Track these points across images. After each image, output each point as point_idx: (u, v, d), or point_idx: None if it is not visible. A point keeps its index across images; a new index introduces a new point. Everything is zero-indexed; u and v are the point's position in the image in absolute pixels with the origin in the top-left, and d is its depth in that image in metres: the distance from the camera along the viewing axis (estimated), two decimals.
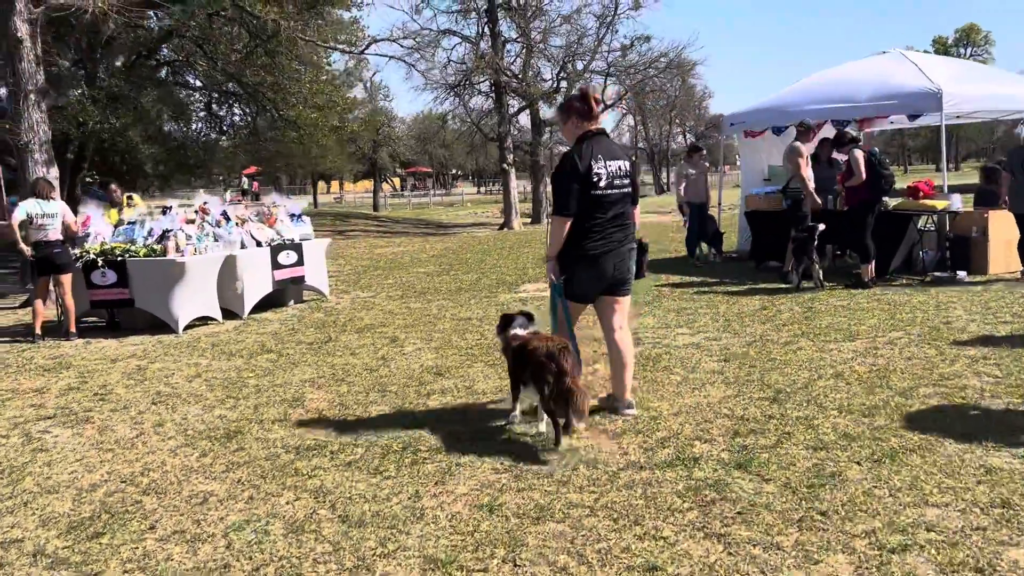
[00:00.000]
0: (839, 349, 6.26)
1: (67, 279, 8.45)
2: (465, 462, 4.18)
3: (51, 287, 8.66)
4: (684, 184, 12.43)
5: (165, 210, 9.44)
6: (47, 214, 8.34)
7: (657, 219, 24.49)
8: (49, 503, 3.94)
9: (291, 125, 18.90)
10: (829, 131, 11.18)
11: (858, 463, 3.91)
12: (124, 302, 8.69)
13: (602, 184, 4.52)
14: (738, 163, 24.78)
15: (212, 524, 3.60)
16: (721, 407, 4.91)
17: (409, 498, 3.76)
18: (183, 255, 8.58)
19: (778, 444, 4.22)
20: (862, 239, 9.10)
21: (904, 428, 4.37)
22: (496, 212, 33.30)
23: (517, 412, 4.77)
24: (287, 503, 3.78)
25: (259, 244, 9.49)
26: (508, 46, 26.45)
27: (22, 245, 8.33)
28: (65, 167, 16.55)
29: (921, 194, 10.03)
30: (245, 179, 38.10)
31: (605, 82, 28.27)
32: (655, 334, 7.20)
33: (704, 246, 12.66)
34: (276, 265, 9.54)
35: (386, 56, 30.62)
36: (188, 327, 8.63)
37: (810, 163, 10.01)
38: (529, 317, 4.88)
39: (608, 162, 4.55)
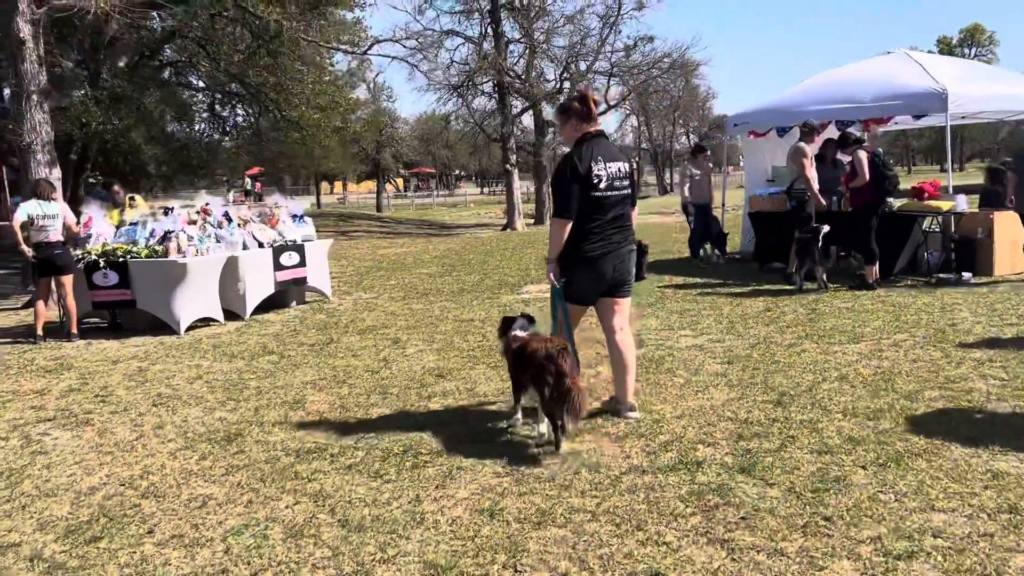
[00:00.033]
0: (843, 351, 6.21)
1: (68, 280, 8.44)
2: (466, 465, 4.14)
3: (53, 288, 8.65)
4: (688, 185, 12.38)
5: (167, 211, 9.42)
6: (48, 215, 8.33)
7: (660, 220, 24.44)
8: (47, 506, 3.91)
9: (293, 126, 18.88)
10: (833, 132, 11.12)
11: (863, 467, 3.87)
12: (126, 303, 8.68)
13: (602, 186, 4.49)
14: (741, 164, 24.72)
15: (211, 528, 3.57)
16: (724, 410, 4.87)
17: (409, 502, 3.72)
18: (185, 256, 8.56)
19: (782, 448, 4.18)
20: (866, 240, 9.06)
21: (909, 432, 4.32)
22: (499, 213, 33.28)
23: (519, 414, 4.75)
24: (286, 507, 3.75)
25: (261, 245, 9.47)
26: (511, 47, 26.44)
27: (23, 247, 8.32)
28: (68, 168, 16.56)
29: (926, 195, 9.98)
30: (248, 180, 38.11)
31: (608, 82, 28.29)
32: (658, 336, 7.16)
33: (708, 247, 12.61)
34: (278, 266, 9.52)
35: (389, 57, 30.52)
36: (190, 328, 8.61)
37: (814, 164, 9.96)
38: (530, 319, 4.87)
39: (608, 164, 4.53)
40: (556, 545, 3.23)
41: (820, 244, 9.14)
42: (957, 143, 64.19)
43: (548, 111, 25.94)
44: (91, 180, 18.62)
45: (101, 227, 9.27)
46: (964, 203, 9.98)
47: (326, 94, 18.84)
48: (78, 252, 8.76)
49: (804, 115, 10.82)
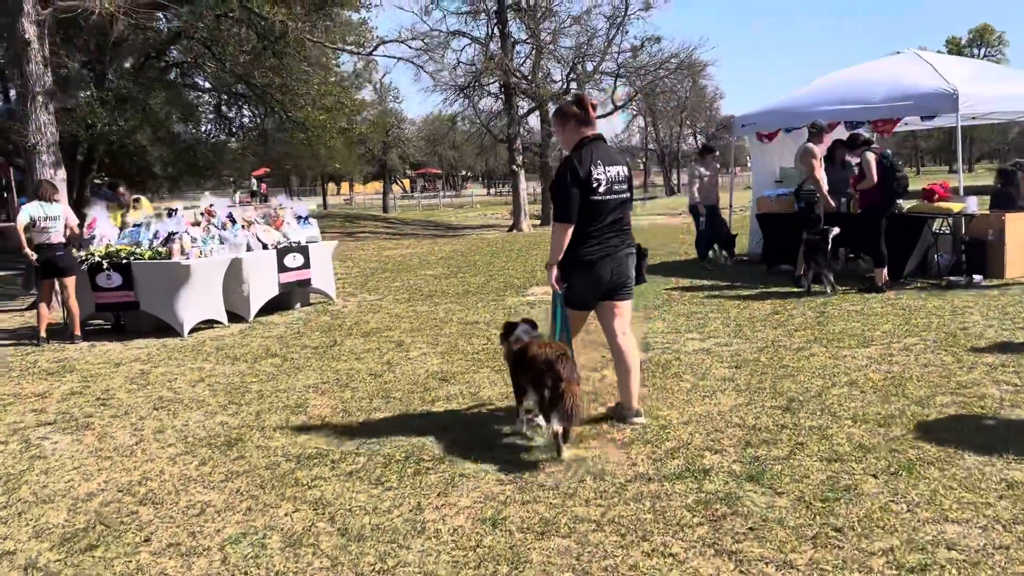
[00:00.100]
0: (853, 355, 6.12)
1: (71, 282, 8.41)
2: (469, 472, 4.08)
3: (56, 290, 8.62)
4: (697, 186, 12.29)
5: (171, 212, 9.39)
6: (50, 216, 8.30)
7: (667, 221, 24.33)
8: (44, 513, 3.86)
9: (299, 127, 18.84)
10: (842, 133, 11.02)
11: (874, 476, 3.78)
12: (129, 305, 8.64)
13: (601, 190, 4.45)
14: (749, 165, 24.60)
15: (208, 536, 3.51)
16: (732, 416, 4.79)
17: (410, 510, 3.66)
18: (188, 258, 8.52)
19: (791, 455, 4.10)
20: (875, 243, 8.96)
21: (921, 439, 4.24)
22: (505, 213, 33.22)
23: (523, 416, 4.70)
24: (285, 515, 3.69)
25: (265, 247, 9.42)
26: (518, 47, 26.41)
27: (26, 249, 8.29)
28: (74, 169, 16.56)
29: (936, 196, 9.86)
30: (254, 181, 38.15)
31: (615, 83, 28.22)
32: (665, 339, 7.08)
33: (715, 248, 12.51)
34: (282, 268, 9.47)
35: (395, 57, 30.60)
36: (193, 330, 8.56)
37: (823, 165, 9.86)
38: (532, 324, 4.83)
39: (607, 168, 4.48)
40: (560, 556, 3.16)
41: (829, 247, 9.04)
42: (966, 144, 63.77)
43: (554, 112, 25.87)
44: (97, 181, 18.61)
45: (105, 228, 9.24)
46: (975, 205, 9.86)
47: (332, 95, 18.80)
48: (81, 254, 8.73)
49: (813, 116, 10.72)
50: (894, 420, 4.55)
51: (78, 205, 14.37)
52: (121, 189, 12.70)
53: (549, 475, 3.99)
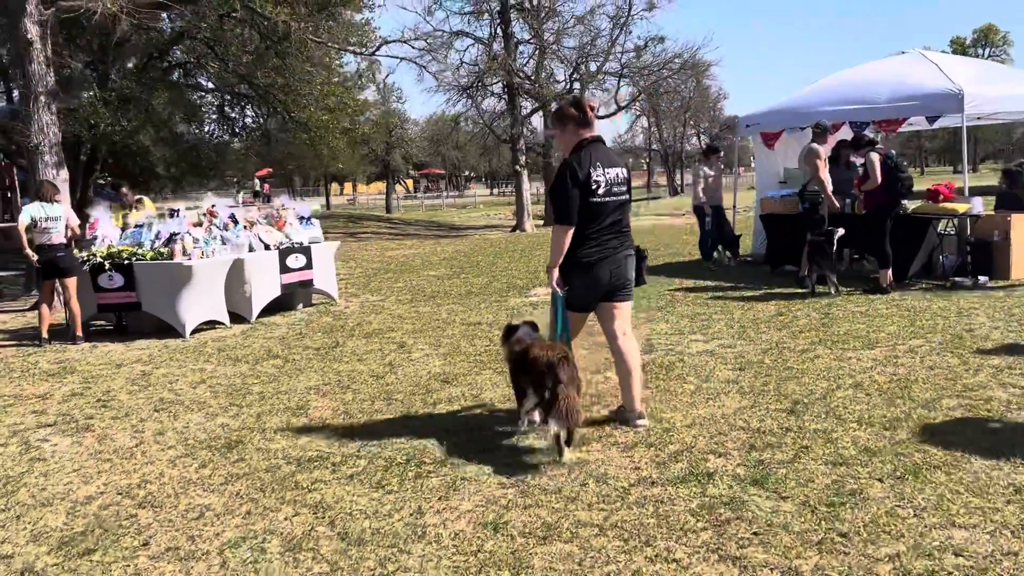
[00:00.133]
0: (858, 357, 6.07)
1: (72, 283, 8.39)
2: (470, 476, 4.04)
3: (58, 290, 8.60)
4: (702, 186, 12.24)
5: (173, 213, 9.37)
6: (51, 217, 8.29)
7: (670, 222, 24.28)
8: (42, 516, 3.83)
9: (302, 127, 18.81)
10: (847, 133, 10.96)
11: (880, 480, 3.74)
12: (131, 306, 8.62)
13: (600, 192, 4.43)
14: (752, 165, 24.54)
15: (207, 540, 3.48)
16: (736, 418, 4.75)
17: (411, 514, 3.62)
18: (190, 258, 8.49)
19: (796, 459, 4.06)
20: (880, 243, 8.91)
21: (927, 442, 4.19)
22: (508, 214, 33.19)
23: (525, 418, 4.67)
24: (285, 518, 3.66)
25: (267, 247, 9.40)
26: (521, 47, 26.37)
27: (28, 250, 8.28)
28: (78, 169, 16.55)
29: (941, 197, 9.81)
30: (257, 181, 38.17)
31: (619, 83, 28.17)
32: (668, 340, 7.03)
33: (720, 249, 12.46)
34: (284, 269, 9.44)
35: (398, 58, 30.52)
36: (195, 331, 8.54)
37: (828, 165, 9.81)
38: (533, 327, 4.81)
39: (606, 169, 4.47)
40: (561, 561, 3.13)
41: (834, 248, 8.98)
42: (970, 144, 63.72)
43: None
44: (100, 182, 18.62)
45: (107, 229, 9.22)
46: (980, 205, 9.80)
47: (335, 95, 18.76)
48: (83, 254, 8.71)
49: (817, 116, 10.67)
50: (900, 423, 4.51)
51: (81, 205, 14.37)
52: (124, 189, 12.70)
53: (551, 478, 3.95)
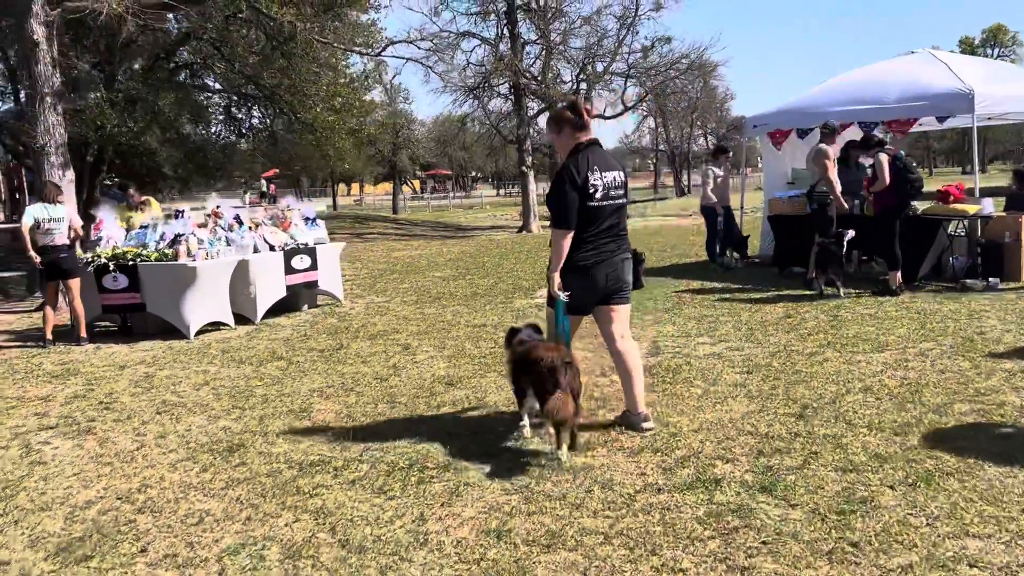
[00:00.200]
0: (867, 361, 5.99)
1: (75, 284, 8.37)
2: (474, 481, 3.98)
3: (62, 291, 8.58)
4: (711, 187, 12.16)
5: (178, 214, 9.34)
6: (54, 218, 8.26)
7: (677, 222, 24.17)
8: (41, 521, 3.79)
9: (308, 128, 18.79)
10: (856, 133, 10.86)
11: (891, 487, 3.67)
12: (136, 307, 8.59)
13: (598, 196, 4.38)
14: (760, 166, 24.42)
15: (206, 547, 3.42)
16: (744, 423, 4.68)
17: (413, 521, 3.57)
18: (195, 259, 8.46)
19: (805, 465, 3.98)
20: (889, 245, 8.81)
21: (939, 448, 4.11)
22: (515, 215, 33.10)
23: (526, 420, 4.63)
24: (285, 525, 3.61)
25: (272, 248, 9.36)
26: (527, 48, 26.26)
27: (31, 252, 8.26)
28: (84, 170, 16.56)
29: (951, 198, 9.71)
30: (264, 182, 38.21)
31: (626, 84, 28.07)
32: (675, 343, 6.96)
33: (728, 251, 12.38)
34: (289, 270, 9.40)
35: (404, 58, 30.42)
36: (200, 332, 8.51)
37: (836, 166, 9.72)
38: (536, 329, 4.77)
39: (604, 173, 4.41)
40: (566, 570, 3.06)
41: (844, 251, 8.89)
42: (980, 145, 63.33)
43: None
44: (107, 182, 18.62)
45: (111, 230, 9.19)
46: (991, 206, 9.70)
47: (341, 96, 18.73)
48: (87, 255, 8.69)
49: (826, 116, 10.57)
50: (911, 428, 4.43)
51: (88, 206, 14.36)
52: (131, 190, 12.67)
53: (556, 484, 3.89)
